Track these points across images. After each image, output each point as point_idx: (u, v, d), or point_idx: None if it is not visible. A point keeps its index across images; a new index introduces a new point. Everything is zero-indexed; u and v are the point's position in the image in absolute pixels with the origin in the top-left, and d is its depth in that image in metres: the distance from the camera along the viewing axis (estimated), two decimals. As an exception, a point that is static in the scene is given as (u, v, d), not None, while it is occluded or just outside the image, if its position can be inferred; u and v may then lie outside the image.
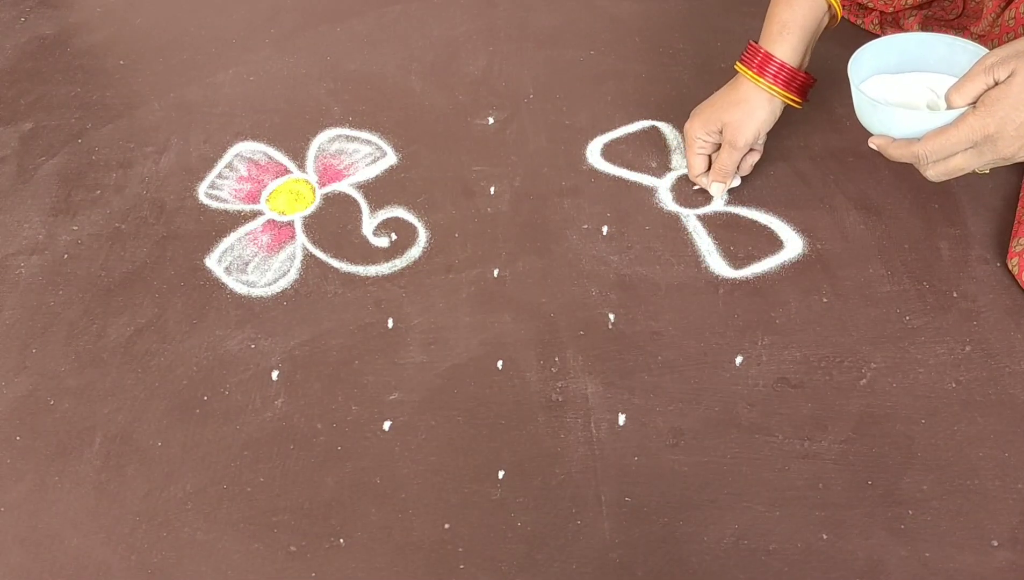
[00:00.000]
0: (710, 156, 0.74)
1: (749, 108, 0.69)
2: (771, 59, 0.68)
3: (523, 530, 0.57)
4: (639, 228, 0.73)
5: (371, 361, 0.66)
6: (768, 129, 0.71)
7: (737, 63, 0.71)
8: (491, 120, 0.84)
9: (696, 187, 0.75)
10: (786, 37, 0.68)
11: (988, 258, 0.69)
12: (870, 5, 0.85)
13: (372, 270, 0.72)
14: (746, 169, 0.74)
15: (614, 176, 0.78)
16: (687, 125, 0.73)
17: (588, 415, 0.62)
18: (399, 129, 0.83)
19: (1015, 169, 0.75)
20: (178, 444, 0.62)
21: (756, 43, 0.70)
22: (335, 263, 0.72)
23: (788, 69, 0.68)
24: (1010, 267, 0.67)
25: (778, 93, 0.69)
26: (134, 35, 0.97)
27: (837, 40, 0.77)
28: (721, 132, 0.71)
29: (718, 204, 0.74)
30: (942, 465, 0.58)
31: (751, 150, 0.73)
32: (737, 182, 0.75)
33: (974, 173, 0.66)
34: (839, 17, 0.71)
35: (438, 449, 0.61)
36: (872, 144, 0.64)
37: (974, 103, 0.58)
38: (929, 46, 0.65)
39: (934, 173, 0.61)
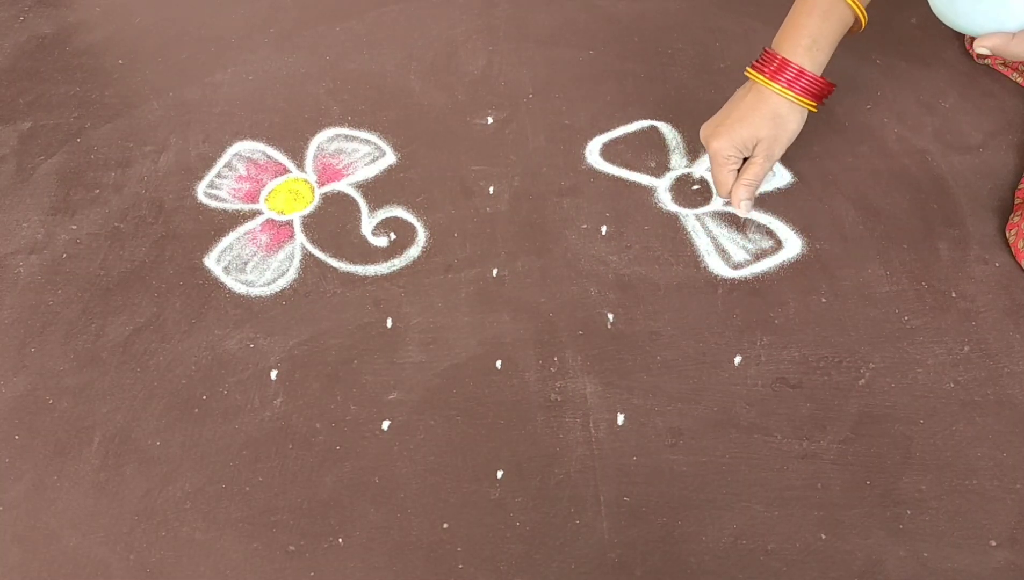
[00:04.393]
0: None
1: (782, 122, 0.68)
2: (803, 74, 0.66)
3: (522, 530, 0.57)
4: (638, 228, 0.73)
5: (370, 361, 0.66)
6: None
7: (759, 75, 0.68)
8: (490, 120, 0.84)
9: (695, 187, 0.75)
10: (815, 53, 0.66)
11: (987, 258, 0.69)
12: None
13: (371, 270, 0.72)
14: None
15: (613, 176, 0.78)
16: (714, 144, 0.70)
17: (587, 415, 0.62)
18: (398, 128, 0.83)
19: (1014, 170, 0.75)
20: (177, 443, 0.62)
21: (780, 55, 0.67)
22: (334, 263, 0.72)
23: (819, 82, 0.67)
24: (1008, 237, 0.68)
25: (807, 104, 0.68)
26: (133, 34, 0.97)
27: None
28: (755, 147, 0.69)
29: (717, 204, 0.74)
30: (940, 465, 0.58)
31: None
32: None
33: None
34: (863, 26, 0.68)
35: (437, 449, 0.61)
36: (981, 48, 0.57)
37: None
38: None
39: None
